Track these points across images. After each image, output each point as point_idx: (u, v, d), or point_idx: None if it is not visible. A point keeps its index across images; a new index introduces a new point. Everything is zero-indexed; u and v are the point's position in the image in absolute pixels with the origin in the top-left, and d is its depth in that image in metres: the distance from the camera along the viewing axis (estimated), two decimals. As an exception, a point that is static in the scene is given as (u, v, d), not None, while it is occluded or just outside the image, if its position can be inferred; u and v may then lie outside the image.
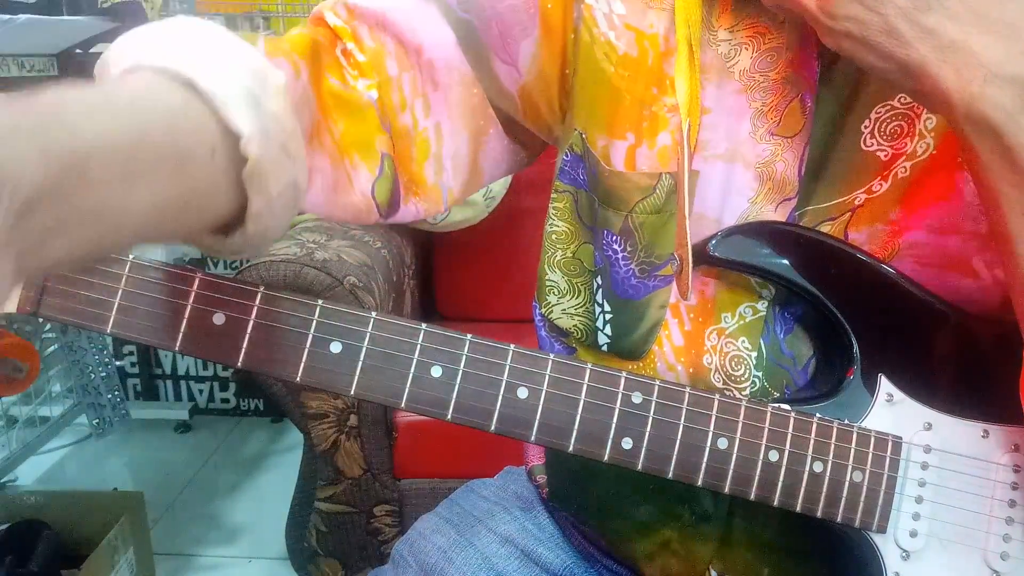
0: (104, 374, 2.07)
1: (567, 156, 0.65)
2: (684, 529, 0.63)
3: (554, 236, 0.69)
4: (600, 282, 0.65)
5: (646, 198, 0.61)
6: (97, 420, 2.12)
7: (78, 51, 1.56)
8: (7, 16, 1.27)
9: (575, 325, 0.68)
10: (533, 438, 0.52)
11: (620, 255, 0.63)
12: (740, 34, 0.59)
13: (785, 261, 0.57)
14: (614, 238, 0.63)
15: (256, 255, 0.55)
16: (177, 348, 0.49)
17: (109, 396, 2.11)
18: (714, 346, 0.61)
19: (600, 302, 0.66)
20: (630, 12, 0.60)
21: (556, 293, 0.69)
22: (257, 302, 0.49)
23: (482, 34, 0.61)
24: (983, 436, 0.56)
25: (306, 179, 0.48)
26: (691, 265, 0.57)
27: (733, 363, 0.61)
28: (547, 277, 0.70)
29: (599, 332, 0.66)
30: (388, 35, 0.60)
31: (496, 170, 0.68)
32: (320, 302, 0.50)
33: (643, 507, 0.65)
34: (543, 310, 0.70)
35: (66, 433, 2.15)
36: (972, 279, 0.57)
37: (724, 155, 0.59)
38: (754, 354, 0.60)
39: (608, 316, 0.65)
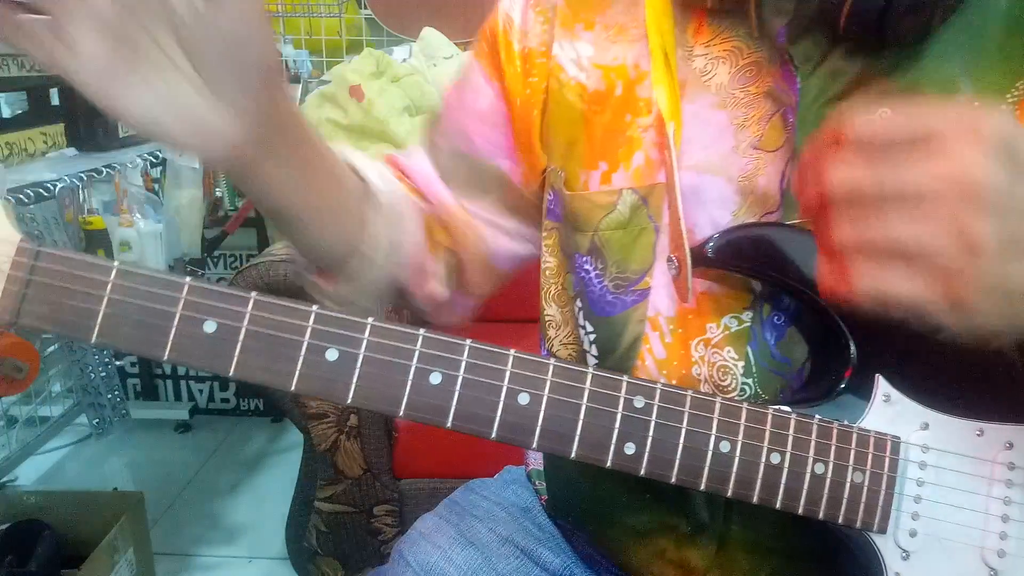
0: (104, 374, 2.07)
1: (550, 195, 0.68)
2: (681, 538, 0.63)
3: (548, 272, 0.71)
4: (580, 304, 0.67)
5: (608, 215, 0.63)
6: (97, 420, 2.12)
7: (78, 51, 1.56)
8: (7, 16, 1.27)
9: (569, 354, 0.69)
10: (535, 445, 0.51)
11: (592, 273, 0.65)
12: (716, 48, 0.61)
13: (781, 261, 0.56)
14: (585, 259, 0.65)
15: (355, 300, 0.65)
16: (166, 358, 0.48)
17: (109, 396, 2.11)
18: (702, 357, 0.61)
19: (583, 324, 0.67)
20: (597, 53, 0.65)
21: (554, 326, 0.71)
22: (249, 309, 0.48)
23: (474, 153, 0.70)
24: (978, 434, 0.56)
25: (406, 250, 0.66)
26: (690, 267, 0.57)
27: (720, 373, 0.61)
28: (545, 312, 0.72)
29: (587, 355, 0.67)
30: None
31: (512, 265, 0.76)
32: (315, 308, 0.49)
33: (640, 517, 0.65)
34: (547, 345, 0.72)
35: (66, 433, 2.16)
36: None
37: (698, 166, 0.60)
38: (741, 363, 0.60)
39: (592, 337, 0.66)
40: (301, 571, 1.50)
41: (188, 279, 0.48)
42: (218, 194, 1.78)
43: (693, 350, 0.61)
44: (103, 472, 2.14)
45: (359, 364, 0.49)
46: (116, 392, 2.14)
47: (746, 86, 0.60)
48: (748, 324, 0.60)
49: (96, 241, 1.44)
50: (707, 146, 0.60)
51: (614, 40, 0.64)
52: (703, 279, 0.60)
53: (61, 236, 1.50)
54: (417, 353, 0.50)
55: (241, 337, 0.48)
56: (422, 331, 0.50)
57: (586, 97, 0.65)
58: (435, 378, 0.50)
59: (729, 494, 0.53)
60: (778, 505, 0.54)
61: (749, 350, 0.60)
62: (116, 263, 0.47)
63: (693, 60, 0.61)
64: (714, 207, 0.60)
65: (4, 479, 1.89)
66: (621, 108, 0.63)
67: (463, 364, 0.50)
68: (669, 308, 0.62)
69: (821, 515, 0.54)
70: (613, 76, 0.64)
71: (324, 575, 1.47)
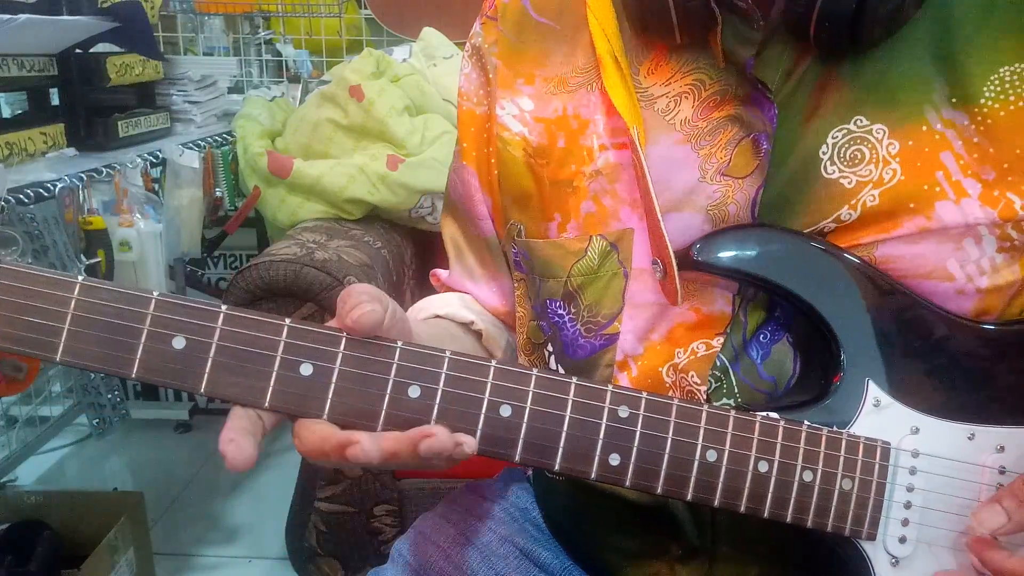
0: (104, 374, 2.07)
1: (515, 248, 0.69)
2: (673, 560, 0.64)
3: (519, 321, 0.72)
4: (551, 349, 0.67)
5: (579, 261, 0.63)
6: (97, 420, 2.12)
7: (78, 51, 1.56)
8: (7, 16, 1.27)
9: None
10: (518, 458, 0.50)
11: (566, 318, 0.65)
12: (677, 85, 0.60)
13: (770, 264, 0.56)
14: (558, 304, 0.65)
15: None
16: (134, 376, 0.46)
17: (109, 396, 2.10)
18: (674, 382, 0.61)
19: (555, 368, 0.67)
20: (537, 106, 0.65)
21: None
22: (220, 323, 0.46)
23: (483, 234, 0.74)
24: (969, 438, 0.56)
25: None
26: (676, 269, 0.56)
27: (689, 397, 0.60)
28: (518, 362, 0.73)
29: None
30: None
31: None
32: (288, 321, 0.47)
33: (631, 541, 0.65)
34: None
35: (66, 433, 2.15)
36: (949, 282, 0.56)
37: (665, 207, 0.59)
38: (703, 387, 0.60)
39: None
40: (301, 571, 1.50)
41: (155, 293, 0.47)
42: (218, 194, 1.78)
43: (665, 376, 0.61)
44: (103, 472, 2.14)
45: (334, 379, 0.48)
46: (116, 392, 2.13)
47: (709, 114, 0.59)
48: (716, 349, 0.60)
49: (96, 241, 1.44)
50: (672, 186, 0.59)
51: (554, 92, 0.64)
52: (678, 308, 0.60)
53: (61, 236, 1.50)
54: (394, 366, 0.48)
55: (212, 353, 0.46)
56: (399, 344, 0.49)
57: (530, 151, 0.65)
58: (413, 391, 0.49)
59: (716, 504, 0.53)
60: (766, 514, 0.53)
61: (732, 369, 0.59)
62: (80, 278, 0.46)
63: (655, 102, 0.60)
64: (685, 240, 0.58)
65: (4, 479, 1.89)
66: (565, 159, 0.63)
67: (443, 377, 0.49)
68: (636, 348, 0.62)
69: (809, 523, 0.54)
70: (554, 128, 0.64)
71: (324, 575, 1.47)
